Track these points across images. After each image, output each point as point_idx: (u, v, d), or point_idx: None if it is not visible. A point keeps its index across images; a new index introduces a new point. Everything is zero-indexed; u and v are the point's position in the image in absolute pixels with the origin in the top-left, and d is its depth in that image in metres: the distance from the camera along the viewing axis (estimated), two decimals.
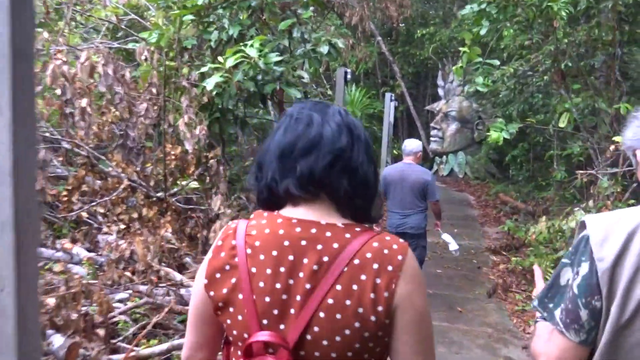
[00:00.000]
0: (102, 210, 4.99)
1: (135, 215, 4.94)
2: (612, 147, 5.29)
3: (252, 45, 4.49)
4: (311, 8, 5.22)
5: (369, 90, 16.86)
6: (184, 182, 5.44)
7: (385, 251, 1.06)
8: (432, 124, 17.37)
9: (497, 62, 5.86)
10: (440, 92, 17.57)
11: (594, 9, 6.28)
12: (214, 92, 4.93)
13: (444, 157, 16.68)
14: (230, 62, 4.38)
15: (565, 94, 6.02)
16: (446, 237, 5.61)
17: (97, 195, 5.00)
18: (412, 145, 5.20)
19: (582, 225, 1.20)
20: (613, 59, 6.02)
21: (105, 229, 4.82)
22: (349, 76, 6.52)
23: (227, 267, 1.10)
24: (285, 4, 5.11)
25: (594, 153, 6.40)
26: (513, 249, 7.80)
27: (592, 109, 5.98)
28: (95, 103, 5.11)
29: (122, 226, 4.83)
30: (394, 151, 14.28)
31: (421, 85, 22.09)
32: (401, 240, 1.12)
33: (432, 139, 17.02)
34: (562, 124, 5.92)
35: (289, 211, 1.15)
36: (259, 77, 4.81)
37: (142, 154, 5.56)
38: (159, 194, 5.20)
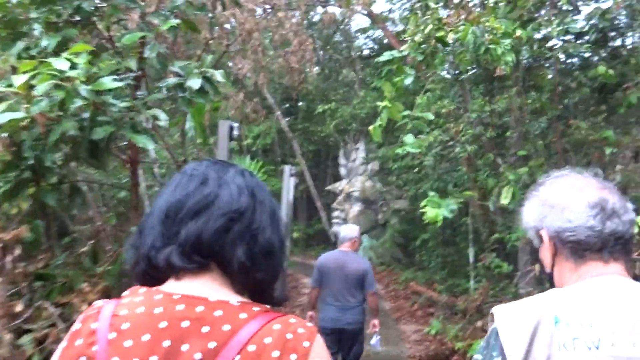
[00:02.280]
0: None
1: None
2: None
3: (69, 58, 2.74)
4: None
5: (267, 167, 15.47)
6: None
7: (289, 336, 0.91)
8: (333, 205, 16.17)
9: (430, 116, 4.59)
10: (343, 171, 16.61)
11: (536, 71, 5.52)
12: (14, 137, 3.08)
13: None
14: (21, 80, 2.58)
15: (505, 164, 4.94)
16: (375, 339, 4.84)
17: None
18: (347, 231, 4.86)
19: (492, 318, 1.17)
20: (557, 123, 5.07)
21: None
22: (235, 132, 4.94)
23: (83, 359, 0.91)
24: (142, 14, 3.47)
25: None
26: None
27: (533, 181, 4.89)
28: None
29: None
30: (294, 233, 12.62)
31: (322, 164, 21.19)
32: (309, 323, 0.96)
33: (334, 221, 15.74)
34: (504, 200, 4.71)
35: (171, 286, 0.97)
36: (86, 114, 3.05)
37: None
38: None
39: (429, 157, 7.15)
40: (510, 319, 1.13)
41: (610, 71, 5.08)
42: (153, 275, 0.99)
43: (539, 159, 4.85)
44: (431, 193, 4.47)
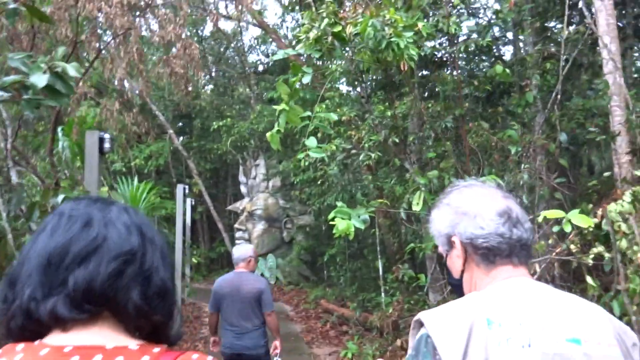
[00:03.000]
0: None
1: None
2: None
3: None
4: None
5: (161, 189, 14.33)
6: None
7: None
8: (236, 225, 15.37)
9: (334, 116, 4.12)
10: (243, 189, 15.88)
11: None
12: None
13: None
14: None
15: (415, 167, 4.62)
16: None
17: None
18: (241, 250, 4.68)
19: (419, 324, 1.16)
20: (463, 123, 4.84)
21: None
22: (107, 144, 4.14)
23: None
24: None
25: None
26: None
27: (443, 185, 4.62)
28: None
29: None
30: (194, 259, 11.68)
31: (221, 184, 20.27)
32: (210, 358, 0.92)
33: (237, 242, 14.92)
34: (416, 207, 4.37)
35: (58, 338, 0.87)
36: None
37: None
38: None
39: (332, 167, 6.74)
40: (442, 323, 1.12)
41: (507, 70, 5.00)
42: (32, 330, 0.89)
43: (449, 160, 4.60)
44: (339, 203, 3.99)
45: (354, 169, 7.82)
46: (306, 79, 4.00)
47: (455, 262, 1.29)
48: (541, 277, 4.22)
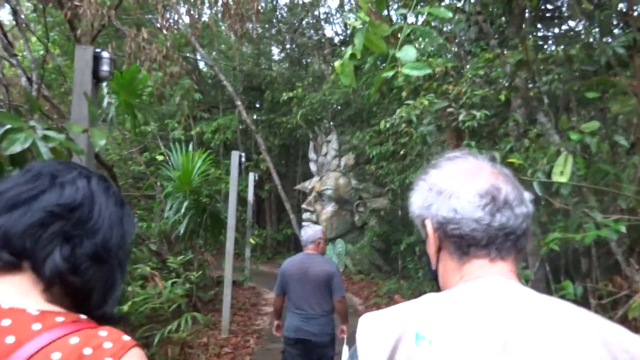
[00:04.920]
0: None
1: None
2: None
3: None
4: None
5: (227, 164, 13.43)
6: None
7: (87, 351, 0.77)
8: (303, 206, 14.20)
9: (448, 13, 2.66)
10: (313, 167, 14.65)
11: None
12: None
13: None
14: None
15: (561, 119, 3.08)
16: (346, 352, 3.64)
17: None
18: (310, 232, 4.45)
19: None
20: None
21: None
22: (104, 67, 2.94)
23: None
24: None
25: None
26: None
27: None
28: None
29: None
30: (252, 239, 10.59)
31: (291, 162, 19.22)
32: (126, 337, 0.81)
33: (304, 224, 13.77)
34: (558, 176, 2.84)
35: None
36: None
37: None
38: None
39: (421, 128, 5.22)
40: (370, 333, 0.96)
41: None
42: None
43: (628, 100, 2.97)
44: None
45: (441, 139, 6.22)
46: None
47: (430, 250, 1.09)
48: None
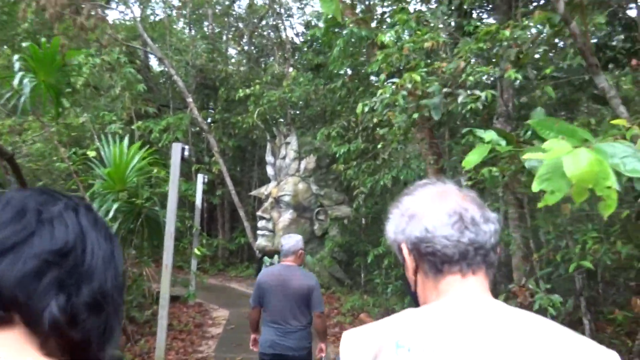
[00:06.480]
0: None
1: None
2: None
3: None
4: None
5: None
6: None
7: None
8: (258, 213, 13.01)
9: None
10: (270, 171, 13.50)
11: None
12: None
13: (275, 256, 12.09)
14: None
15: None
16: None
17: None
18: (291, 242, 4.26)
19: None
20: None
21: None
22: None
23: None
24: None
25: None
26: None
27: None
28: None
29: None
30: (197, 250, 9.33)
31: (246, 167, 17.98)
32: None
33: (259, 232, 12.59)
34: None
35: None
36: None
37: None
38: None
39: (398, 117, 4.17)
40: (351, 347, 1.04)
41: None
42: None
43: None
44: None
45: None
46: None
47: (408, 274, 1.15)
48: None
